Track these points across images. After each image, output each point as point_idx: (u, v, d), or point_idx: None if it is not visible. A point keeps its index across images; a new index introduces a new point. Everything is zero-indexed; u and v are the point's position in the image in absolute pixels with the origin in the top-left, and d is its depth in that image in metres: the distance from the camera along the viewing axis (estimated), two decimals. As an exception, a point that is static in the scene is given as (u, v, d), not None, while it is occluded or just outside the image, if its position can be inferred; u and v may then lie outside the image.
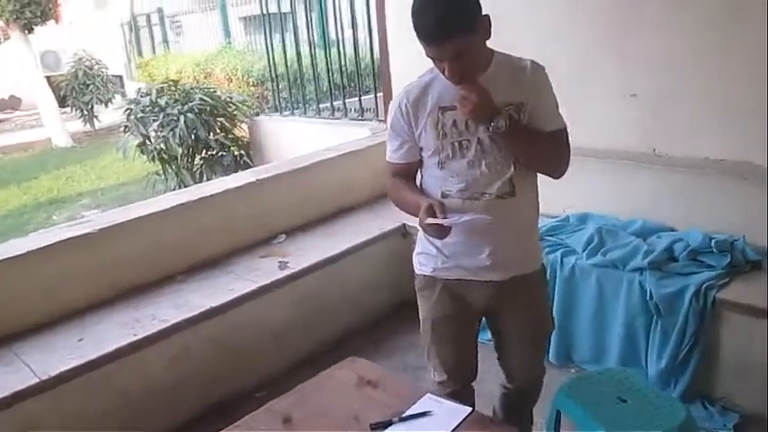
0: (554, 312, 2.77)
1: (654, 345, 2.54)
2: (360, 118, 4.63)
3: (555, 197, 3.19)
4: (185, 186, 4.73)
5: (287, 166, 3.60)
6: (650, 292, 2.49)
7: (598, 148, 3.19)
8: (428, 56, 1.59)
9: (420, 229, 1.71)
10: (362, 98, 4.69)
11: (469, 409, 1.65)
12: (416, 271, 1.94)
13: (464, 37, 1.51)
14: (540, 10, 3.24)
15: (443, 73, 1.59)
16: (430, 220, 1.61)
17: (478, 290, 1.81)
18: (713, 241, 2.62)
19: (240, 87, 6.67)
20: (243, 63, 7.04)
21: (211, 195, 3.13)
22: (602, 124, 3.19)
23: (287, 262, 2.99)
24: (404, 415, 1.63)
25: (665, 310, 2.46)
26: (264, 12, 5.35)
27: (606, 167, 3.15)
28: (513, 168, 1.68)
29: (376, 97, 4.57)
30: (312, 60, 5.03)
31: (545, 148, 1.71)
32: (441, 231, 1.64)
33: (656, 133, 3.04)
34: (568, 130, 1.76)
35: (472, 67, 1.58)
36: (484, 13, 1.57)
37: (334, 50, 4.79)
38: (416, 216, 1.66)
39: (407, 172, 1.82)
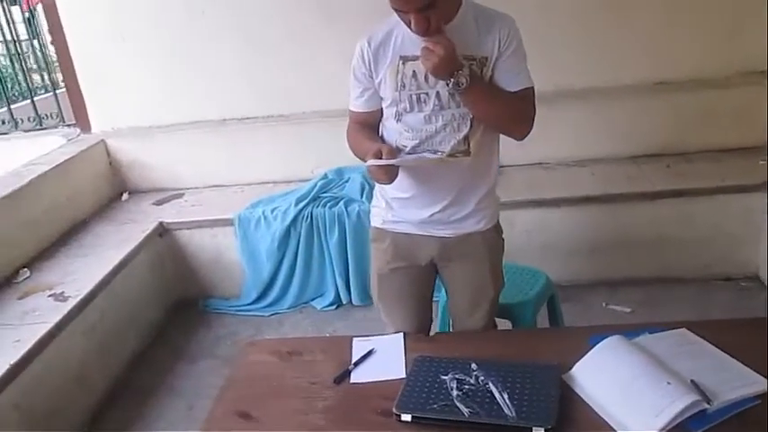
0: (348, 257, 3.04)
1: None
2: (39, 127, 3.97)
3: (301, 161, 3.43)
4: None
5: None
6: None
7: (334, 108, 3.48)
8: (393, 7, 1.49)
9: (370, 175, 1.63)
10: (37, 100, 4.02)
11: (401, 334, 1.78)
12: (371, 222, 1.88)
13: None
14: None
15: (408, 25, 1.50)
16: (372, 162, 1.54)
17: (426, 244, 1.78)
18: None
19: None
20: None
21: None
22: (335, 86, 3.39)
23: (61, 293, 2.52)
24: (354, 361, 1.68)
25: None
26: None
27: (341, 124, 3.40)
28: (469, 126, 1.63)
29: (57, 97, 3.96)
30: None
31: (506, 108, 1.62)
32: (386, 175, 1.57)
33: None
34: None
35: (439, 18, 1.49)
36: None
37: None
38: None
39: (369, 121, 1.73)
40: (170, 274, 3.22)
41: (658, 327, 1.66)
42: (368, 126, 1.73)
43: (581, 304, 2.90)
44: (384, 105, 1.69)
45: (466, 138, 1.64)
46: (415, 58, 1.57)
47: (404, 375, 1.59)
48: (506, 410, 1.37)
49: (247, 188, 3.50)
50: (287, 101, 3.53)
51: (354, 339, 1.78)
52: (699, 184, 2.93)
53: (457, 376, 1.51)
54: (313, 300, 3.17)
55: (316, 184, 3.16)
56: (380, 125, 1.74)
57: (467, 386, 1.47)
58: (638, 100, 3.21)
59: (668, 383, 1.36)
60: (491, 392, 1.44)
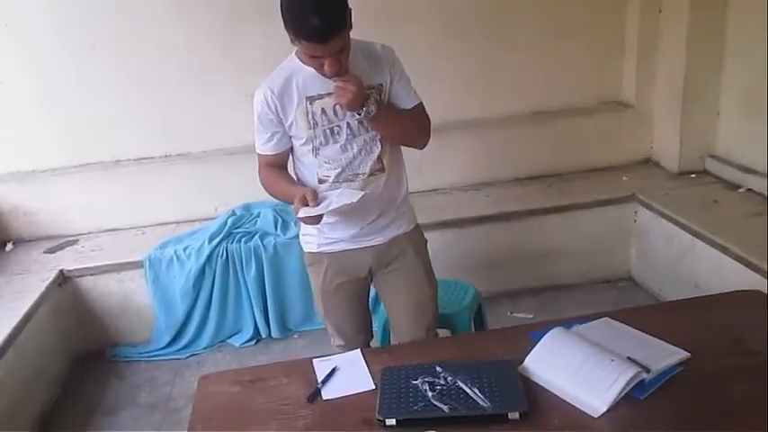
0: (267, 290, 3.05)
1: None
2: None
3: (203, 199, 3.39)
4: None
5: None
6: (348, 241, 3.04)
7: (235, 146, 3.49)
8: (305, 54, 1.63)
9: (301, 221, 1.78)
10: None
11: (358, 351, 1.86)
12: (304, 249, 1.99)
13: (344, 32, 1.60)
14: (169, 25, 3.30)
15: (320, 68, 1.64)
16: (302, 214, 1.69)
17: (361, 256, 1.93)
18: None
19: None
20: None
21: None
22: (235, 122, 3.43)
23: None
24: (321, 380, 1.72)
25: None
26: None
27: (244, 160, 3.41)
28: (380, 147, 1.82)
29: None
30: None
31: (409, 124, 1.85)
32: (314, 219, 1.73)
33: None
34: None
35: (347, 59, 1.67)
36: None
37: None
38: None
39: (279, 162, 1.85)
40: (74, 324, 3.02)
41: (585, 318, 1.90)
42: (278, 166, 1.87)
43: (489, 315, 3.13)
44: (298, 144, 1.82)
45: (379, 157, 1.84)
46: (320, 97, 1.74)
47: (373, 387, 1.67)
48: (481, 402, 1.51)
49: (148, 230, 3.37)
50: (185, 139, 3.49)
51: (314, 360, 1.83)
52: (577, 199, 3.31)
53: (427, 379, 1.62)
54: (230, 337, 3.12)
55: (226, 221, 3.14)
56: (295, 163, 1.88)
57: (438, 387, 1.59)
58: (520, 128, 3.57)
59: (612, 361, 1.58)
60: (462, 389, 1.56)
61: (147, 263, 2.99)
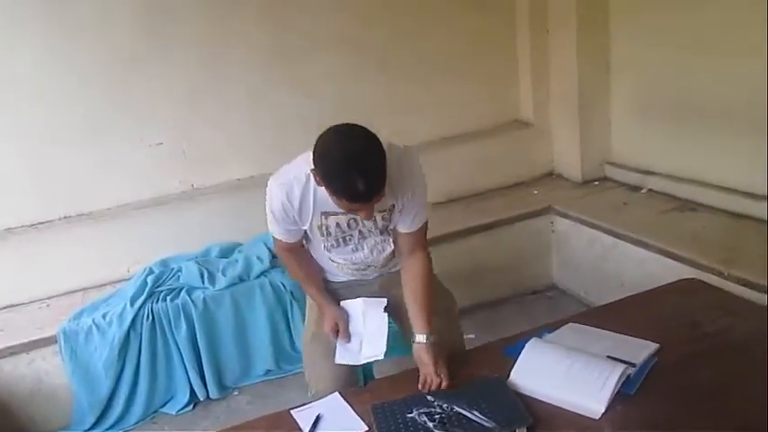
0: (200, 347, 2.85)
1: (297, 325, 2.93)
2: None
3: (113, 261, 3.14)
4: None
5: None
6: (282, 284, 2.91)
7: (142, 199, 3.28)
8: (340, 206, 1.58)
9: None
10: None
11: (336, 393, 1.76)
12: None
13: (385, 187, 1.54)
14: (49, 74, 3.05)
15: (349, 211, 1.62)
16: (339, 361, 1.86)
17: (366, 284, 1.97)
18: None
19: None
20: None
21: None
22: (140, 174, 3.28)
23: None
24: (309, 429, 1.61)
25: (298, 291, 2.90)
26: None
27: (154, 213, 3.26)
28: (392, 244, 1.83)
29: None
30: None
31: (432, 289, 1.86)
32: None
33: (190, 170, 3.37)
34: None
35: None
36: None
37: None
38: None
39: (298, 245, 1.87)
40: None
41: (550, 326, 1.94)
42: (299, 249, 1.89)
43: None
44: (311, 236, 1.83)
45: (392, 252, 1.87)
46: (335, 214, 1.72)
47: (365, 428, 1.59)
48: (486, 423, 1.48)
49: (53, 302, 3.04)
50: (85, 197, 3.21)
51: (293, 411, 1.72)
52: (498, 216, 3.40)
53: (422, 410, 1.57)
54: (164, 405, 2.85)
55: (146, 280, 2.89)
56: (308, 243, 1.89)
57: (437, 416, 1.55)
58: (431, 154, 3.60)
59: (596, 362, 1.62)
60: (461, 414, 1.53)
61: (62, 337, 2.68)
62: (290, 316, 2.96)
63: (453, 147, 3.71)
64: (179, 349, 2.82)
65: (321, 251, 1.85)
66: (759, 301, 2.09)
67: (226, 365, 2.93)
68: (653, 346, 1.73)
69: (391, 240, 1.83)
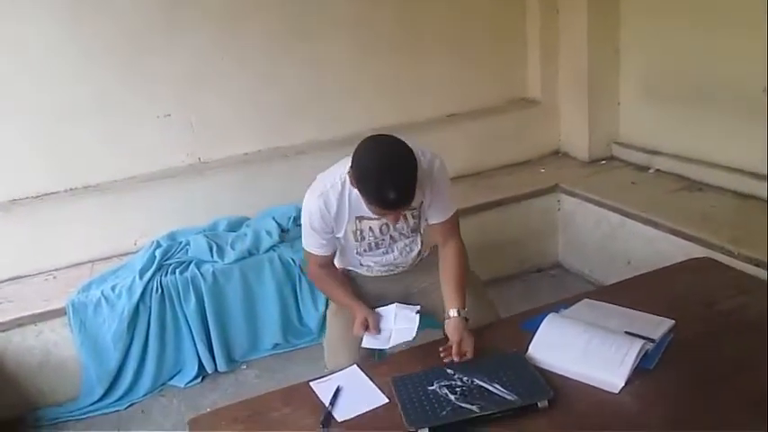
0: (209, 321, 2.86)
1: (305, 300, 2.97)
2: None
3: (120, 233, 3.12)
4: None
5: None
6: (292, 259, 2.91)
7: (149, 171, 3.26)
8: (372, 212, 1.72)
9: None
10: None
11: (354, 366, 1.77)
12: None
13: (414, 198, 1.67)
14: (57, 48, 3.00)
15: (381, 216, 1.74)
16: (366, 345, 1.83)
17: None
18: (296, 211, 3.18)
19: None
20: None
21: None
22: (147, 147, 3.25)
23: None
24: (329, 401, 1.62)
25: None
26: None
27: (161, 186, 3.23)
28: (420, 245, 1.95)
29: None
30: None
31: (466, 272, 1.93)
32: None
33: (197, 143, 3.35)
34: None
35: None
36: None
37: None
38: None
39: (329, 261, 1.97)
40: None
41: (566, 302, 1.96)
42: (330, 266, 1.99)
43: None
44: (344, 243, 1.92)
45: (419, 252, 1.98)
46: (369, 218, 1.83)
47: (386, 400, 1.61)
48: (508, 396, 1.50)
49: (59, 274, 3.03)
50: (91, 169, 3.18)
51: (312, 383, 1.73)
52: (506, 194, 3.41)
53: (443, 383, 1.59)
54: (172, 378, 2.86)
55: (154, 253, 2.88)
56: (339, 247, 1.95)
57: (458, 389, 1.56)
58: (437, 131, 3.62)
59: (615, 337, 1.64)
60: (483, 387, 1.55)
61: (71, 309, 2.68)
62: (298, 290, 2.96)
63: (461, 124, 3.70)
64: (188, 322, 2.82)
65: (353, 256, 1.95)
66: None
67: (234, 339, 2.94)
68: (669, 323, 1.75)
69: (419, 241, 1.95)
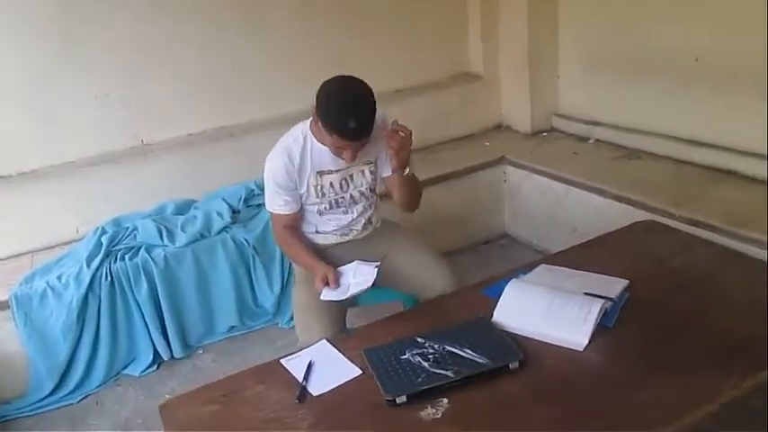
0: (162, 306, 2.79)
1: (260, 281, 2.94)
2: None
3: (60, 221, 3.01)
4: None
5: None
6: (245, 240, 2.87)
7: (89, 155, 3.12)
8: (332, 144, 1.82)
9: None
10: None
11: (323, 341, 1.78)
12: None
13: (371, 132, 1.82)
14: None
15: (338, 153, 1.85)
16: (325, 297, 1.86)
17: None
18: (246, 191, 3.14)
19: None
20: None
21: None
22: (85, 129, 3.12)
23: None
24: (303, 376, 1.62)
25: (260, 246, 2.89)
26: None
27: (102, 170, 3.11)
28: (372, 210, 2.12)
29: None
30: None
31: (419, 190, 2.10)
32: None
33: (139, 125, 3.23)
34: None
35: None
36: None
37: None
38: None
39: (294, 221, 2.05)
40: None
41: (525, 267, 2.02)
42: (294, 227, 2.06)
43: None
44: (305, 203, 2.02)
45: (370, 218, 2.14)
46: (329, 172, 1.97)
47: (359, 372, 1.62)
48: (480, 360, 1.54)
49: (-3, 266, 2.89)
50: (27, 154, 3.02)
51: (282, 360, 1.73)
52: (453, 168, 3.47)
53: (415, 352, 1.62)
54: (126, 367, 2.79)
55: (100, 240, 2.78)
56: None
57: (430, 356, 1.59)
58: (385, 107, 3.55)
59: (576, 299, 1.71)
60: (454, 353, 1.59)
61: (14, 302, 2.55)
62: (252, 271, 2.93)
63: (405, 99, 3.71)
64: (140, 309, 2.75)
65: (314, 217, 2.04)
66: (710, 239, 2.24)
67: (189, 323, 2.89)
68: (624, 282, 1.83)
69: (374, 205, 2.12)
